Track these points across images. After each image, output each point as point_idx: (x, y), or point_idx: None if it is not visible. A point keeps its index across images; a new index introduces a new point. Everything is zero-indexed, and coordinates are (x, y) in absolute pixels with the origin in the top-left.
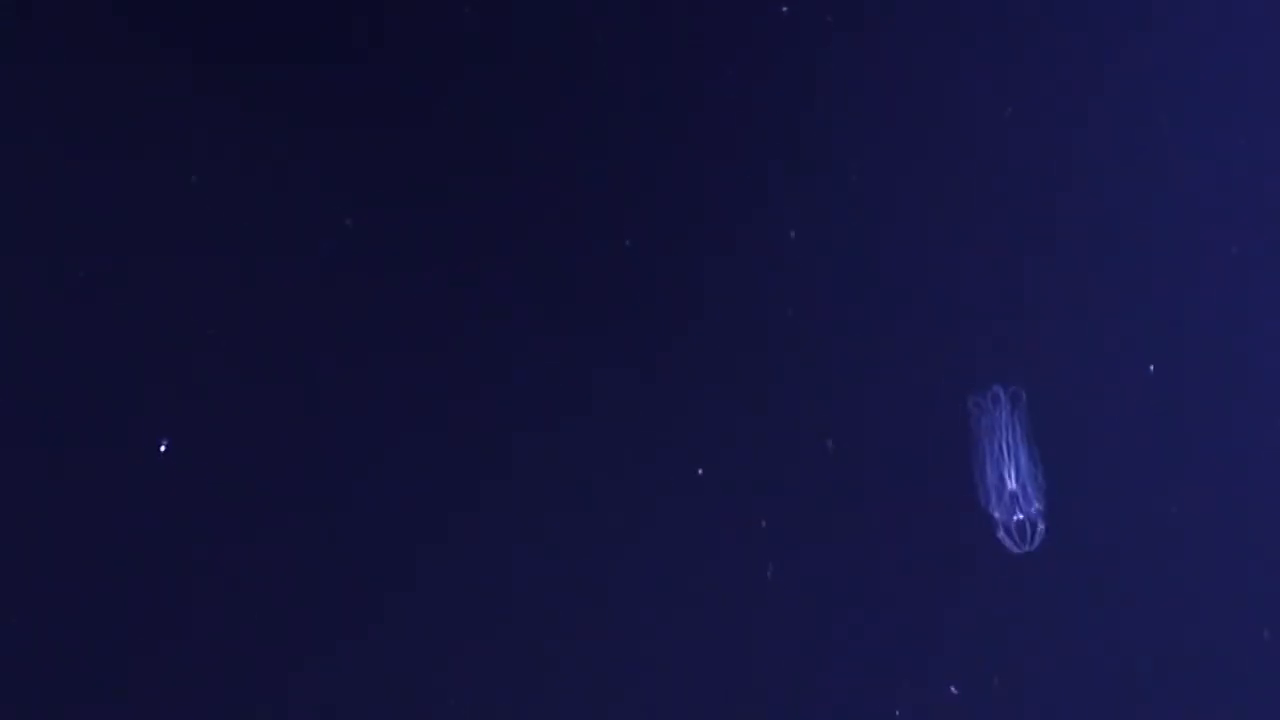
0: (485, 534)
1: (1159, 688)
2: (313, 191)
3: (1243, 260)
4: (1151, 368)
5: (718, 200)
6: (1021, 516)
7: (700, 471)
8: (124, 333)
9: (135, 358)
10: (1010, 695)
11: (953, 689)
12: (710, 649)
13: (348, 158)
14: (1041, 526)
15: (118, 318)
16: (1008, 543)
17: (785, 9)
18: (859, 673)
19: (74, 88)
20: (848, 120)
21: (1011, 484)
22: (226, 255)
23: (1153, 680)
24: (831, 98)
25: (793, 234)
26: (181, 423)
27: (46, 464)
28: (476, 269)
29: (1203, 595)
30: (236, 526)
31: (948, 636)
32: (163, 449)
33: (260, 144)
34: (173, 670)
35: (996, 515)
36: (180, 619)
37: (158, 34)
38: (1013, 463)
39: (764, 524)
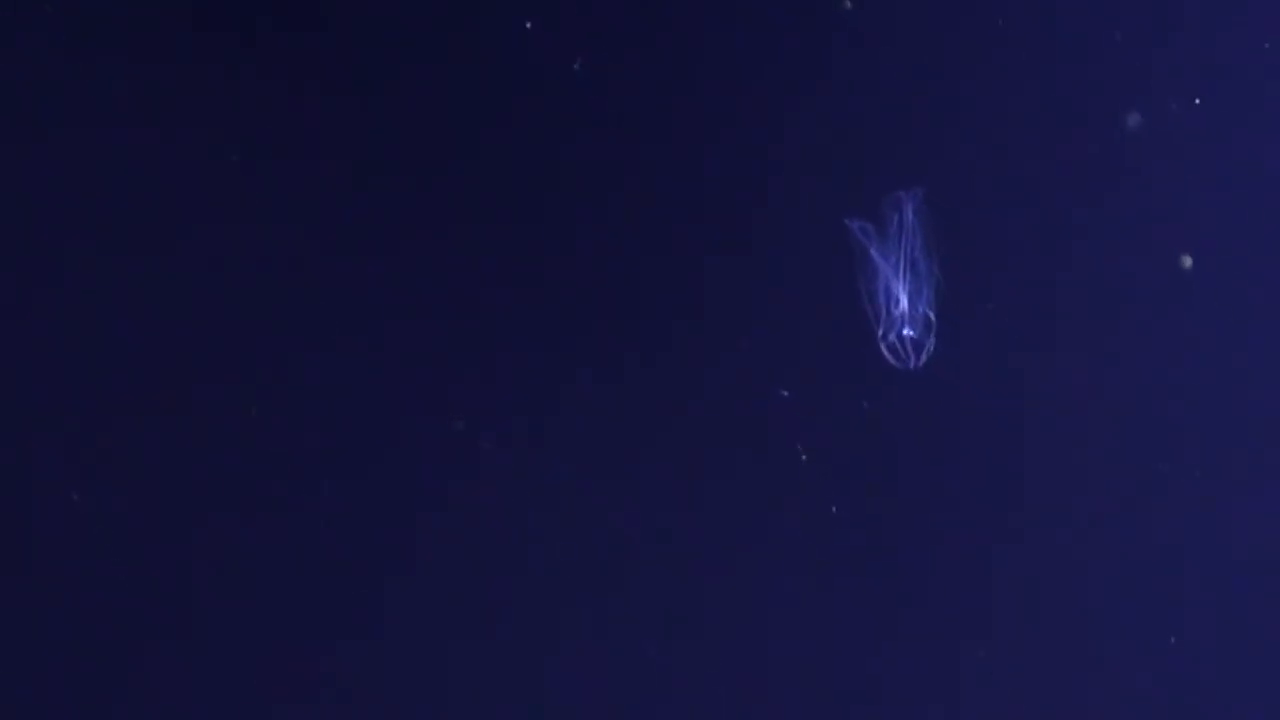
0: (473, 534)
1: (1053, 505)
2: (299, 180)
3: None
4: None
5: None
6: (910, 331)
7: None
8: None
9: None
10: (892, 508)
11: (833, 508)
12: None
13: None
14: (931, 341)
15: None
16: (891, 359)
17: None
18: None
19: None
20: None
21: (901, 297)
22: (220, 250)
23: (1047, 497)
24: None
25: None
26: (171, 420)
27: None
28: (470, 258)
29: (1102, 406)
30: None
31: (829, 449)
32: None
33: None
34: (170, 670)
35: (883, 329)
36: (177, 619)
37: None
38: (905, 273)
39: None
